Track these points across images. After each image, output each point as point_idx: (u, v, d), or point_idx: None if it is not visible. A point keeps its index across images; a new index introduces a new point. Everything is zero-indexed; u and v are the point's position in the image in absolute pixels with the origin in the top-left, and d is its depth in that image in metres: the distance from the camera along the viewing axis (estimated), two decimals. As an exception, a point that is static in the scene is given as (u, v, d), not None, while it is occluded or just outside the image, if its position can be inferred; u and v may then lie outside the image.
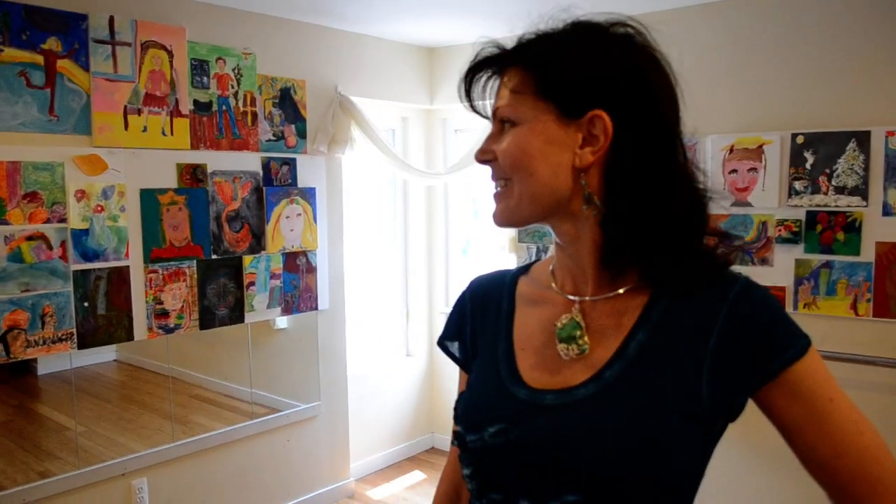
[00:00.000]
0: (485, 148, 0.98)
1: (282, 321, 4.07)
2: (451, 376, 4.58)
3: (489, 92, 1.00)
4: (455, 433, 1.02)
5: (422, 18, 3.84)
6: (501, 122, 0.96)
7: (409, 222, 4.85)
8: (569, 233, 0.96)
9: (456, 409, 1.04)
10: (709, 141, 3.47)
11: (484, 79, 0.99)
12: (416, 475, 4.57)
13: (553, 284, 1.03)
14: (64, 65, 2.96)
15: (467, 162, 4.24)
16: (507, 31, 1.07)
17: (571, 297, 0.99)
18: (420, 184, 4.67)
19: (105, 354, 4.41)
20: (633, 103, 0.91)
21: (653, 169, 0.91)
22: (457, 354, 1.14)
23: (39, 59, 2.89)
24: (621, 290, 0.95)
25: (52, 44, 2.93)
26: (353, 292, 4.34)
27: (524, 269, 1.12)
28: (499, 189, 0.97)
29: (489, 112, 1.00)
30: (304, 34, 3.87)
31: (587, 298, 0.97)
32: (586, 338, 0.94)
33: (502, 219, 0.98)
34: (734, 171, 3.42)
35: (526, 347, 1.01)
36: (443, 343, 1.16)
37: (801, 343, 0.88)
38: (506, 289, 1.10)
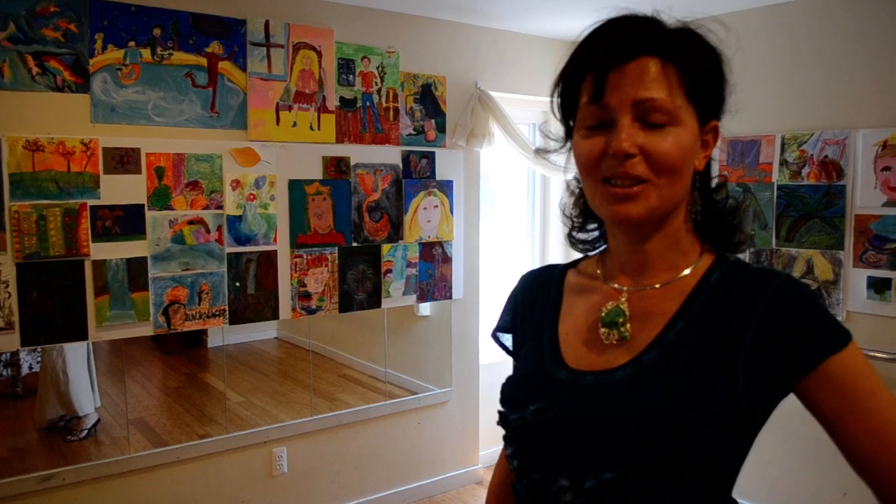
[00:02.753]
0: (634, 142, 0.91)
1: (425, 308, 4.24)
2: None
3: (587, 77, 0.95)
4: (499, 413, 1.07)
5: (562, 12, 3.86)
6: (647, 116, 0.91)
7: (549, 216, 4.88)
8: (657, 229, 0.99)
9: (502, 391, 1.09)
10: (859, 136, 3.25)
11: (602, 64, 0.93)
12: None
13: (600, 274, 1.07)
14: (224, 66, 3.27)
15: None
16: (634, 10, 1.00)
17: (617, 287, 1.02)
18: (559, 178, 4.68)
19: (267, 332, 4.78)
20: (722, 113, 1.00)
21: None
22: (509, 346, 1.20)
23: (203, 61, 3.22)
24: (666, 282, 0.99)
25: (215, 47, 3.24)
26: (487, 283, 4.44)
27: (573, 264, 1.16)
28: (628, 186, 0.92)
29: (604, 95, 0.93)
30: (445, 32, 4.01)
31: (633, 288, 1.01)
32: (629, 325, 0.98)
33: (636, 219, 0.94)
34: (887, 168, 3.19)
35: (570, 333, 1.05)
36: (496, 335, 1.23)
37: (840, 336, 0.88)
38: (554, 280, 1.14)
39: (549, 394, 0.99)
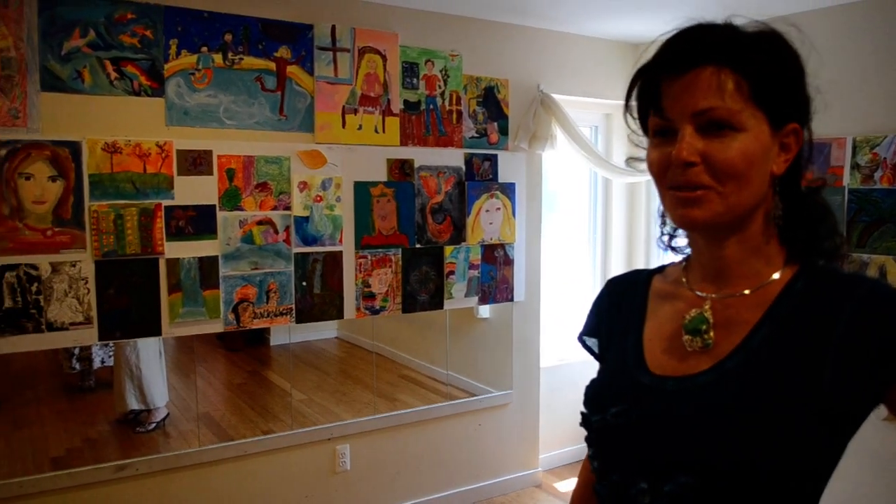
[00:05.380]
0: (695, 150, 0.92)
1: (484, 310, 4.27)
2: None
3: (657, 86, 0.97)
4: (582, 415, 1.08)
5: (625, 14, 3.84)
6: (708, 124, 0.91)
7: (611, 219, 4.84)
8: (734, 234, 0.98)
9: (585, 393, 1.10)
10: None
11: (664, 73, 0.95)
12: (607, 473, 4.56)
13: (684, 280, 1.06)
14: (292, 70, 3.34)
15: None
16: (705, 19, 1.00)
17: (701, 294, 1.02)
18: (622, 181, 4.65)
19: (328, 331, 4.88)
20: (807, 115, 0.98)
21: (805, 172, 0.99)
22: (594, 350, 1.20)
23: (272, 65, 3.30)
24: (750, 290, 0.98)
25: (283, 52, 3.32)
26: (548, 286, 4.43)
27: (659, 269, 1.16)
28: (691, 191, 0.93)
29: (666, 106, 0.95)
30: (507, 35, 4.02)
31: (717, 296, 1.00)
32: (712, 333, 0.97)
33: (700, 224, 0.95)
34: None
35: (654, 338, 1.05)
36: (582, 338, 1.24)
37: None
38: (640, 286, 1.14)
39: (631, 397, 1.00)
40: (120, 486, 3.12)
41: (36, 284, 2.86)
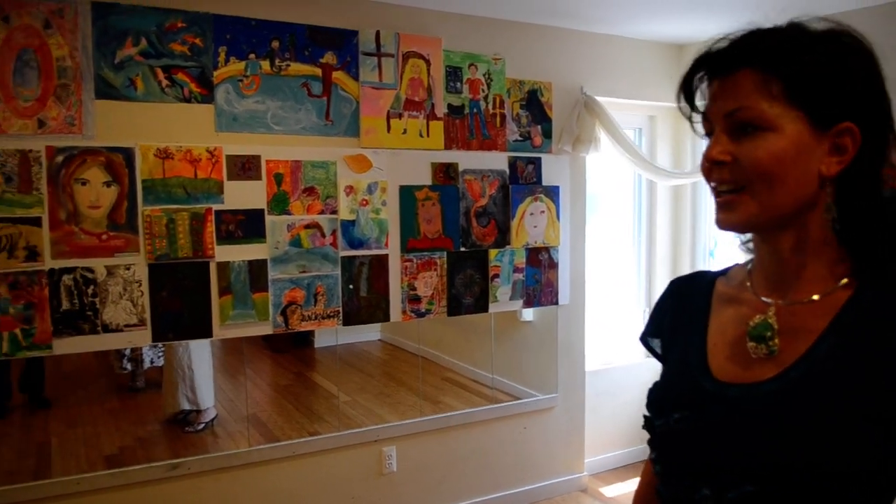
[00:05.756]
0: (724, 149, 0.94)
1: (528, 314, 4.27)
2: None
3: (703, 90, 0.99)
4: (645, 418, 1.09)
5: (670, 16, 3.81)
6: (739, 124, 0.93)
7: (655, 222, 4.80)
8: (789, 239, 0.97)
9: (648, 395, 1.10)
10: None
11: (704, 74, 0.98)
12: (653, 478, 4.51)
13: (749, 284, 1.05)
14: (338, 76, 3.39)
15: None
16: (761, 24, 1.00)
17: (766, 300, 1.00)
18: (666, 184, 4.61)
19: (371, 334, 4.92)
20: (875, 115, 0.93)
21: (879, 175, 0.94)
22: (657, 350, 1.20)
23: (318, 71, 3.34)
24: (816, 297, 0.96)
25: (329, 58, 3.36)
26: (593, 289, 4.41)
27: (723, 272, 1.14)
28: (726, 194, 0.95)
29: (707, 108, 0.98)
30: (550, 37, 4.02)
31: (782, 302, 0.98)
32: (777, 339, 0.96)
33: (734, 226, 0.97)
34: None
35: (717, 343, 1.04)
36: (644, 339, 1.23)
37: None
38: (704, 288, 1.13)
39: (694, 403, 1.00)
40: (172, 485, 3.18)
41: (92, 287, 2.94)
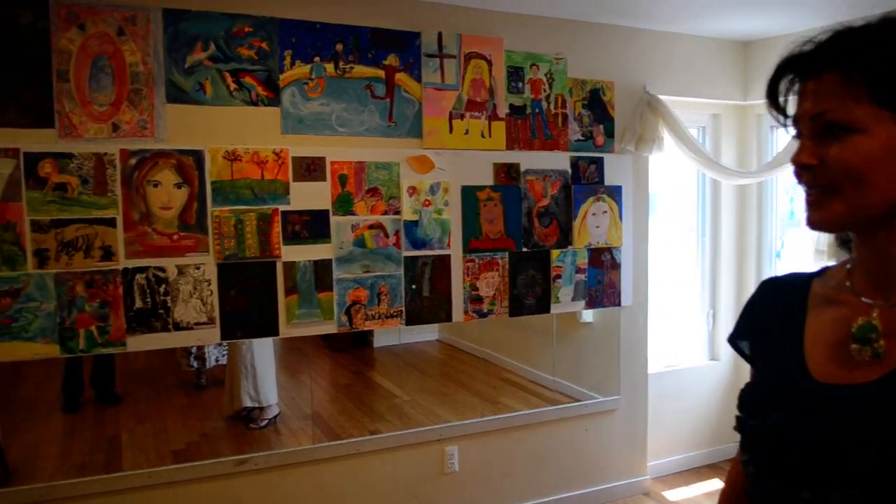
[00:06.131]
0: (811, 153, 0.93)
1: (587, 315, 4.23)
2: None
3: (791, 92, 0.98)
4: (737, 419, 1.07)
5: (736, 11, 3.74)
6: (825, 126, 0.91)
7: (719, 222, 4.71)
8: (887, 238, 0.95)
9: (741, 396, 1.08)
10: None
11: (791, 78, 0.96)
12: (716, 483, 4.42)
13: (849, 285, 1.02)
14: (401, 77, 3.41)
15: (784, 160, 4.02)
16: (831, 19, 1.00)
17: (867, 301, 0.98)
18: (731, 183, 4.52)
19: (429, 334, 4.94)
20: None
21: None
22: (746, 352, 1.18)
23: (381, 73, 3.37)
24: None
25: (392, 60, 3.39)
26: (655, 290, 4.35)
27: (818, 273, 1.12)
28: (815, 195, 0.94)
29: (795, 112, 0.97)
30: (612, 36, 3.98)
31: (885, 303, 0.96)
32: (882, 342, 0.93)
33: (823, 226, 0.96)
34: None
35: (816, 344, 1.02)
36: (733, 340, 1.21)
37: None
38: (799, 289, 1.10)
39: (793, 404, 0.98)
40: (240, 480, 3.25)
41: (163, 286, 3.02)
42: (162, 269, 3.02)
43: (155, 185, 3.00)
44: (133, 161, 2.96)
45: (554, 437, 3.99)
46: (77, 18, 2.86)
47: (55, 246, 2.85)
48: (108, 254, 2.93)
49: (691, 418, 4.60)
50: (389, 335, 4.08)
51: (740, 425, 1.05)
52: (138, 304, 2.99)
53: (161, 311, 3.03)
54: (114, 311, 2.96)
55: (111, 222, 2.94)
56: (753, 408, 1.03)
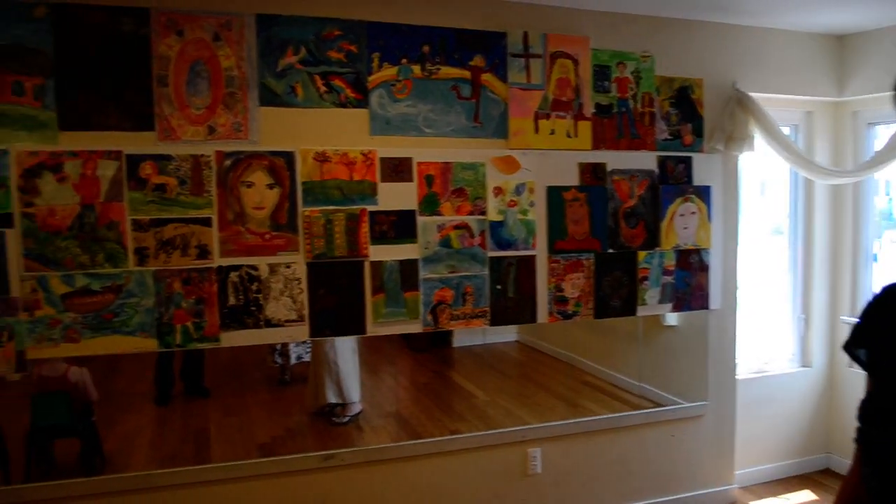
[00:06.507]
0: None
1: (671, 318, 4.15)
2: (853, 394, 4.20)
3: None
4: (858, 430, 1.03)
5: (830, 4, 3.59)
6: None
7: (812, 223, 4.54)
8: None
9: (861, 407, 1.04)
10: None
11: None
12: (806, 495, 4.27)
13: None
14: (486, 78, 3.41)
15: (888, 157, 3.85)
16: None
17: None
18: (825, 182, 4.35)
19: (508, 335, 4.93)
20: None
21: None
22: (862, 359, 1.14)
23: (467, 74, 3.38)
24: None
25: (478, 60, 3.40)
26: (744, 293, 4.23)
27: None
28: None
29: None
30: (701, 33, 3.89)
31: None
32: None
33: None
34: None
35: None
36: (850, 348, 1.17)
37: None
38: None
39: None
40: (326, 475, 3.31)
41: (256, 284, 3.10)
42: (254, 268, 3.10)
43: (248, 186, 3.08)
44: (228, 162, 3.05)
45: (639, 442, 3.92)
46: (176, 25, 2.97)
47: (154, 244, 2.96)
48: (204, 252, 3.03)
49: (781, 427, 4.45)
50: (469, 335, 4.09)
51: (862, 437, 1.01)
52: (232, 301, 3.08)
53: (253, 308, 3.11)
54: (208, 307, 3.05)
55: (207, 222, 3.03)
56: (876, 420, 0.99)
